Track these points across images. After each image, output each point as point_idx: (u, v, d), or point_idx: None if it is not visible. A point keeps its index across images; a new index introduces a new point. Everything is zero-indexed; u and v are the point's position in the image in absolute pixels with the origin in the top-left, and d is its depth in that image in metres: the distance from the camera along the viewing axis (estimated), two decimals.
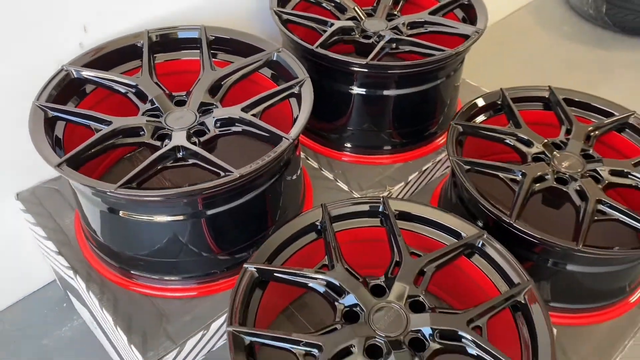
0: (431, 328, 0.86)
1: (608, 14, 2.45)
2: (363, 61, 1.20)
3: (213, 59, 1.23)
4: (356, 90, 1.30)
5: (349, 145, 1.40)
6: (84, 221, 1.10)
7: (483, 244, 0.98)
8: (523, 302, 0.91)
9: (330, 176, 1.35)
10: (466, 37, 1.31)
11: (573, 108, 1.29)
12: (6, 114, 1.17)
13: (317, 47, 1.23)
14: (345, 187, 1.32)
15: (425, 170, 1.39)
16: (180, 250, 1.03)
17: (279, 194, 1.11)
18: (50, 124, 1.04)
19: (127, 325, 1.03)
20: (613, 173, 1.13)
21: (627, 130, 1.26)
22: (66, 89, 1.12)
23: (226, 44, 1.25)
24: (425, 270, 0.94)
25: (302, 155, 1.39)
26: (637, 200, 1.15)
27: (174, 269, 1.07)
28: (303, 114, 1.04)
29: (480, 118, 1.28)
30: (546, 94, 1.30)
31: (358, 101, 1.32)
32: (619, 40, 2.46)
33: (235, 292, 0.89)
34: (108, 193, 0.91)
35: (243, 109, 1.08)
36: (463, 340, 0.85)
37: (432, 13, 1.40)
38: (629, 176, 1.13)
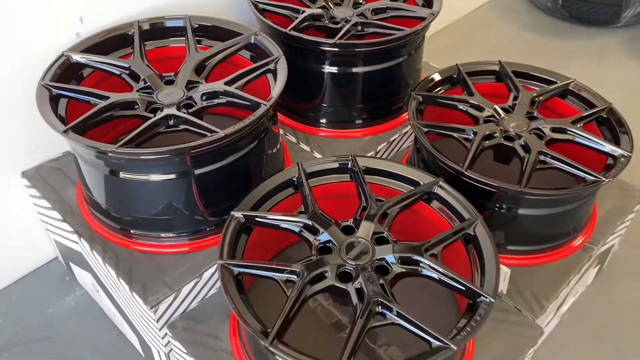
0: (393, 256, 1.00)
1: (564, 5, 2.64)
2: (331, 41, 1.35)
3: (197, 45, 1.37)
4: (327, 69, 1.45)
5: (324, 121, 1.54)
6: (86, 189, 1.23)
7: (438, 190, 1.13)
8: (472, 234, 1.05)
9: (307, 149, 1.50)
10: (424, 19, 1.46)
11: (520, 79, 1.45)
12: (11, 99, 1.30)
13: (290, 30, 1.38)
14: (320, 157, 1.46)
15: (393, 141, 1.54)
16: (173, 208, 1.16)
17: (261, 159, 1.25)
18: (54, 101, 1.18)
19: (128, 278, 1.16)
20: (553, 130, 1.29)
21: (568, 96, 1.42)
22: (66, 72, 1.25)
23: (209, 31, 1.39)
24: (387, 212, 1.09)
25: (282, 131, 1.54)
26: (575, 155, 1.30)
27: (169, 227, 1.20)
28: (279, 83, 1.19)
29: (439, 91, 1.43)
30: (497, 68, 1.46)
31: (330, 79, 1.46)
32: (575, 31, 2.64)
33: (225, 233, 1.03)
34: (109, 153, 1.04)
35: (226, 83, 1.23)
36: (420, 264, 1.00)
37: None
38: (567, 132, 1.28)
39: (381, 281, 0.97)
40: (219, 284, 1.18)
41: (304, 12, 1.49)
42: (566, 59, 2.46)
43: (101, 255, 1.20)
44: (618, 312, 1.50)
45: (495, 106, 1.34)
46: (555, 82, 1.43)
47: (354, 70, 1.45)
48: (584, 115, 1.33)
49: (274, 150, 1.31)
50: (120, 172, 1.12)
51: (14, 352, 1.39)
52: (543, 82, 1.44)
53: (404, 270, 1.00)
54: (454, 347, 0.86)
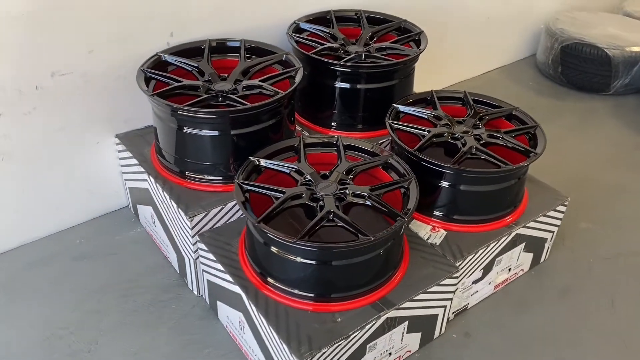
0: (349, 191, 1.51)
1: (563, 73, 3.13)
2: (339, 62, 1.92)
3: (246, 58, 1.97)
4: (338, 84, 2.00)
5: (334, 124, 2.09)
6: (157, 142, 1.81)
7: (391, 161, 1.63)
8: (407, 187, 1.54)
9: None
10: (408, 55, 2.01)
11: (480, 105, 1.96)
12: (120, 85, 1.92)
13: (311, 54, 1.96)
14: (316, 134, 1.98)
15: (381, 143, 2.05)
16: (215, 156, 1.71)
17: (278, 132, 1.79)
18: (147, 81, 1.78)
19: (177, 201, 1.70)
20: (489, 136, 1.77)
21: (513, 119, 1.91)
22: (157, 66, 1.86)
23: (255, 50, 1.99)
24: (353, 169, 1.60)
25: (299, 128, 2.09)
26: (508, 156, 1.77)
27: (210, 171, 1.74)
28: (295, 83, 1.76)
29: (421, 105, 1.95)
30: (462, 96, 1.98)
31: (339, 92, 2.01)
32: (570, 94, 3.11)
33: (243, 169, 1.57)
34: (178, 111, 1.62)
35: (261, 80, 1.80)
36: (365, 197, 1.49)
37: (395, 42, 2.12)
38: (499, 138, 1.77)
39: (337, 204, 1.47)
40: (237, 213, 1.71)
41: (324, 44, 2.07)
42: (556, 114, 2.92)
43: (161, 186, 1.76)
44: (543, 296, 1.90)
45: (450, 117, 1.84)
46: (503, 107, 1.92)
47: (359, 86, 1.99)
48: (516, 128, 1.81)
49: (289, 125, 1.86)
50: (184, 127, 1.69)
51: (91, 259, 1.95)
52: (495, 108, 1.94)
53: (353, 200, 1.49)
54: (372, 238, 1.34)
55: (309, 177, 1.56)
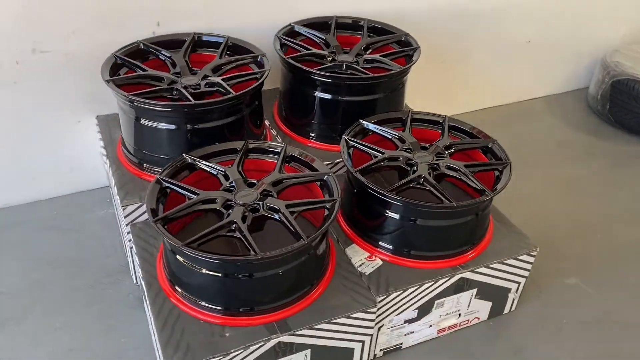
0: (265, 204, 1.44)
1: (610, 111, 2.82)
2: (313, 69, 1.84)
3: (226, 56, 1.94)
4: (317, 93, 1.92)
5: (313, 134, 2.01)
6: (121, 130, 1.83)
7: (328, 178, 1.54)
8: (328, 206, 1.44)
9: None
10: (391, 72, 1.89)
11: (459, 133, 1.80)
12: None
13: (287, 58, 1.89)
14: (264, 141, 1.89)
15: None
16: (171, 150, 1.70)
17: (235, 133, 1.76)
18: (116, 67, 1.81)
19: (119, 187, 1.71)
20: (448, 167, 1.62)
21: (488, 153, 1.74)
22: (135, 53, 1.88)
23: (235, 49, 1.96)
24: (283, 181, 1.52)
25: (274, 133, 2.03)
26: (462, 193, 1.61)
27: (165, 164, 1.73)
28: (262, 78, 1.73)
29: (389, 124, 1.83)
30: (441, 120, 1.83)
31: (318, 102, 1.93)
32: (615, 135, 2.80)
33: (172, 164, 1.54)
34: (129, 99, 1.63)
35: (219, 76, 1.77)
36: (278, 213, 1.41)
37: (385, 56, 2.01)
38: (455, 171, 1.61)
39: (247, 214, 1.41)
40: None
41: (311, 50, 2.00)
42: (588, 154, 2.64)
43: (112, 171, 1.78)
44: (493, 351, 1.71)
45: (415, 142, 1.71)
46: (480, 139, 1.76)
47: (338, 97, 1.91)
48: (481, 163, 1.65)
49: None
50: (142, 119, 1.69)
51: (54, 231, 2.02)
52: (473, 138, 1.78)
53: (265, 214, 1.42)
54: (260, 256, 1.26)
55: (233, 183, 1.51)
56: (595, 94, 2.92)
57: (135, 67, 1.82)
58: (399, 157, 1.65)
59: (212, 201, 1.45)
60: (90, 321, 1.72)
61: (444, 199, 1.50)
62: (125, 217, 1.67)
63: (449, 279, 1.58)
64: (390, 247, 1.61)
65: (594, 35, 2.99)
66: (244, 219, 1.39)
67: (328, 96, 1.92)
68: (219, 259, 1.28)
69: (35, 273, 1.85)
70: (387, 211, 1.56)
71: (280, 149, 1.63)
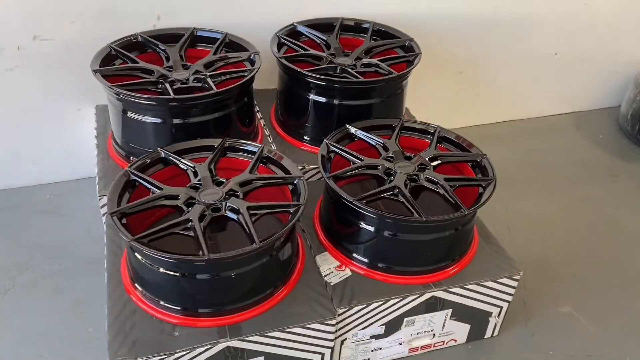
0: (227, 204, 1.40)
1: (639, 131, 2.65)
2: (303, 70, 1.80)
3: (222, 52, 1.93)
4: (311, 96, 1.88)
5: (306, 137, 1.96)
6: (110, 122, 1.84)
7: (298, 182, 1.49)
8: (292, 211, 1.40)
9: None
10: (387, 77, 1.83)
11: (449, 145, 1.72)
12: None
13: (280, 57, 1.86)
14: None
15: None
16: (156, 145, 1.69)
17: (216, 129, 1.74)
18: (109, 57, 1.82)
19: (100, 176, 1.73)
20: (427, 180, 1.55)
21: (477, 168, 1.65)
22: (131, 45, 1.89)
23: (232, 45, 1.94)
24: (251, 182, 1.49)
25: (267, 133, 2.00)
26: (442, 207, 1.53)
27: None
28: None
29: (377, 131, 1.76)
30: (432, 130, 1.75)
31: (312, 105, 1.89)
32: None
33: (145, 157, 1.53)
34: (115, 90, 1.63)
35: (209, 71, 1.76)
36: (238, 215, 1.38)
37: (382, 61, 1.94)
38: (435, 184, 1.53)
39: (206, 213, 1.38)
40: None
41: (308, 50, 1.96)
42: (611, 175, 2.48)
43: (99, 160, 1.80)
44: None
45: (398, 151, 1.64)
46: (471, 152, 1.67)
47: (331, 101, 1.86)
48: (462, 178, 1.57)
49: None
50: (129, 112, 1.70)
51: (45, 216, 2.05)
52: (464, 151, 1.69)
53: (226, 215, 1.39)
54: (206, 257, 1.23)
55: (201, 181, 1.48)
56: (626, 112, 2.75)
57: (128, 59, 1.83)
58: (378, 166, 1.59)
59: (175, 197, 1.43)
60: (58, 308, 1.73)
61: (414, 212, 1.43)
62: (101, 207, 1.68)
63: (418, 297, 1.51)
64: (361, 258, 1.54)
65: (628, 51, 2.81)
66: (201, 218, 1.36)
67: (322, 99, 1.87)
68: (162, 256, 1.26)
69: (17, 255, 1.89)
70: (358, 221, 1.50)
71: (257, 149, 1.59)
